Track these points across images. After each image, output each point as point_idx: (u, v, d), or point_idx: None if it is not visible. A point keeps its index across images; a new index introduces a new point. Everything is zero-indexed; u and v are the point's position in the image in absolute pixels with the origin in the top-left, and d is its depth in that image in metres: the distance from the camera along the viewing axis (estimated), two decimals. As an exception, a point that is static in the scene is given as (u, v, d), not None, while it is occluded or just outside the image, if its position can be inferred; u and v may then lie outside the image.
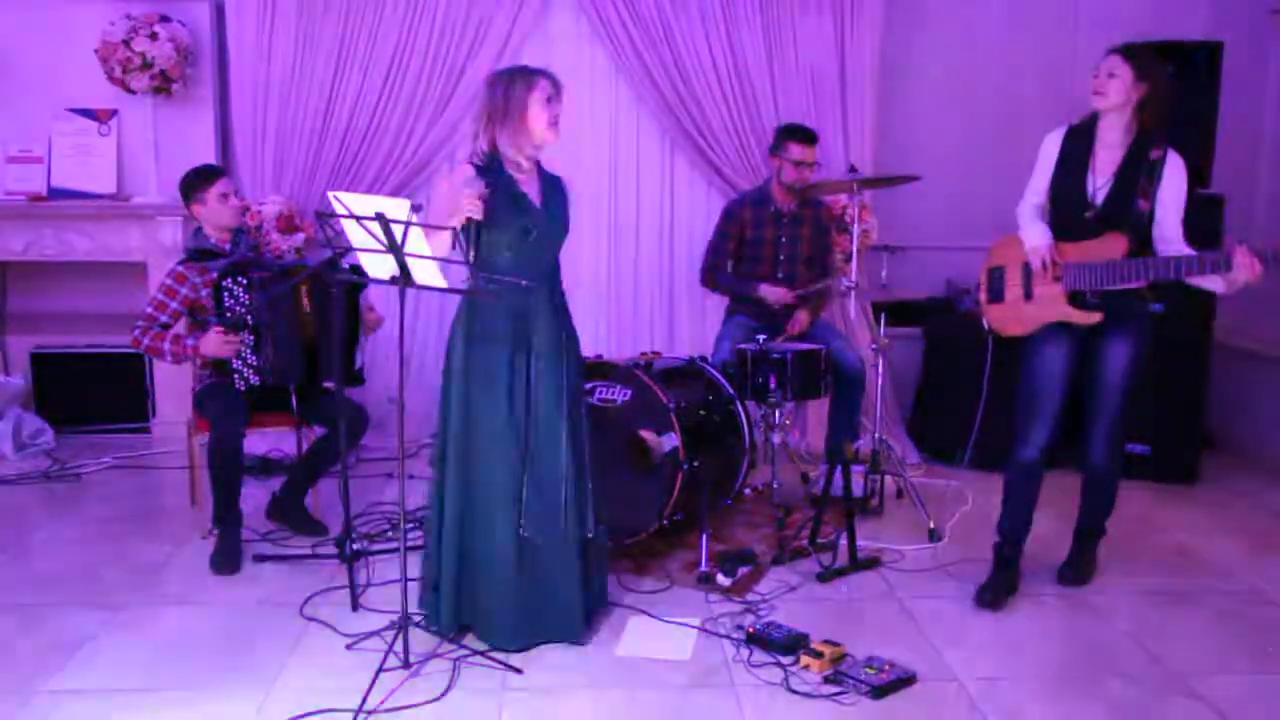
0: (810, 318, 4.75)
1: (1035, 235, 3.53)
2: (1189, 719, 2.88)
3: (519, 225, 3.13)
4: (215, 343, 3.86)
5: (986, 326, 3.74)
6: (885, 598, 3.66)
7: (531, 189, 3.20)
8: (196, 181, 4.06)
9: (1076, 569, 3.76)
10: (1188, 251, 3.34)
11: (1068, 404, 3.55)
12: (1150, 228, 3.39)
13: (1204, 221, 4.85)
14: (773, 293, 4.67)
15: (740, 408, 4.29)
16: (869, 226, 5.23)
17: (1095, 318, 3.43)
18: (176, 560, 3.91)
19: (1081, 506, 3.77)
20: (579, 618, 3.23)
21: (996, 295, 3.68)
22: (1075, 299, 3.45)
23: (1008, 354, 4.19)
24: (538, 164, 3.27)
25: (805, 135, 4.71)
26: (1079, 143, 3.48)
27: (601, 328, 5.56)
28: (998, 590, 3.56)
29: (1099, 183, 3.42)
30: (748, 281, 4.75)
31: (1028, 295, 3.57)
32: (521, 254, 3.16)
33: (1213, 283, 3.30)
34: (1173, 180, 3.38)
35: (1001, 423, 3.95)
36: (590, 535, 3.26)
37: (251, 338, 3.89)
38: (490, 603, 3.19)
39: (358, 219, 2.92)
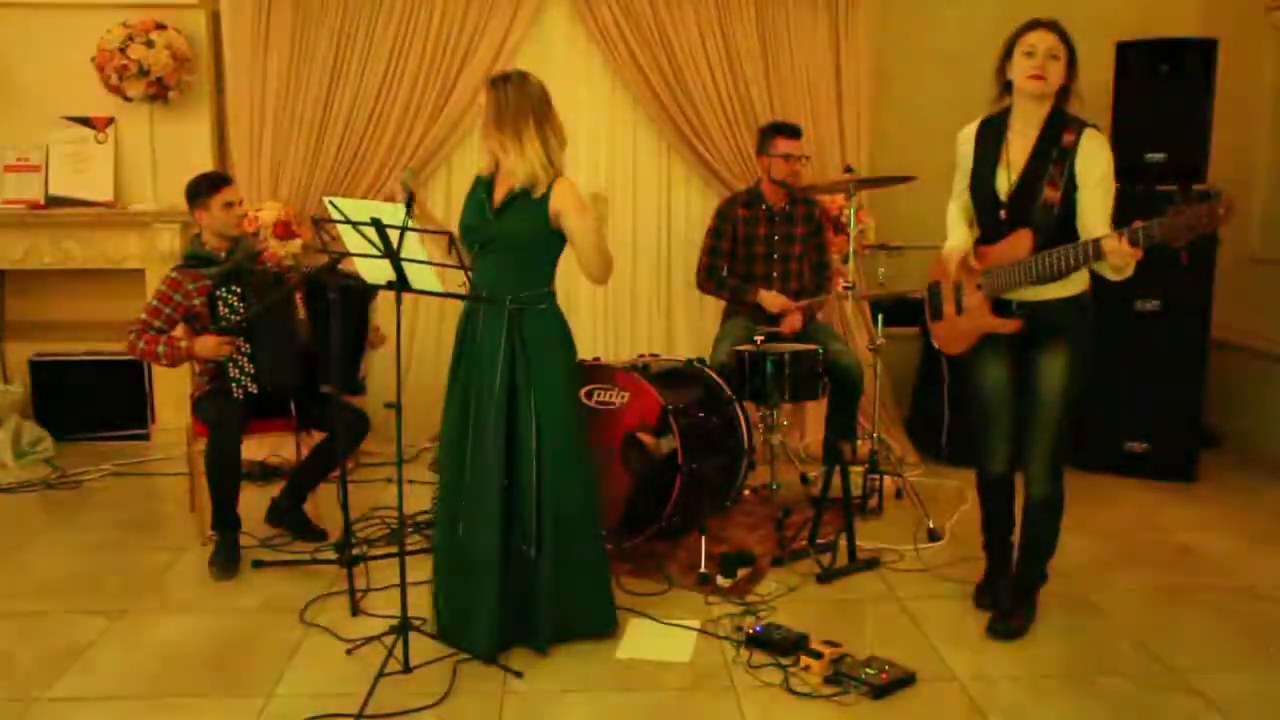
0: (804, 318, 4.75)
1: (952, 240, 3.35)
2: (1189, 717, 2.88)
3: (468, 230, 3.20)
4: (209, 345, 3.86)
5: (936, 346, 3.59)
6: (885, 598, 3.66)
7: (503, 193, 3.19)
8: (203, 187, 4.07)
9: (1008, 621, 3.35)
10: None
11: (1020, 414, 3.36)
12: (1067, 220, 3.11)
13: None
14: (771, 301, 4.67)
15: (739, 409, 4.29)
16: (865, 226, 5.24)
17: (1012, 325, 3.22)
18: (176, 566, 3.92)
19: (1020, 546, 3.44)
20: (488, 633, 3.14)
21: (936, 313, 3.52)
22: (998, 307, 3.26)
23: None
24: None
25: (790, 129, 4.73)
26: (991, 136, 3.26)
27: (599, 330, 5.56)
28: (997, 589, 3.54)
29: (1011, 178, 3.19)
30: (746, 286, 4.75)
31: (959, 309, 3.40)
32: (478, 259, 3.21)
33: (1104, 270, 3.02)
34: (1089, 163, 3.08)
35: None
36: (527, 549, 3.15)
37: (248, 346, 3.89)
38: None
39: (354, 225, 2.93)
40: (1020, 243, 3.16)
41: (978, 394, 3.42)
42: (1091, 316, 3.26)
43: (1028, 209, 3.16)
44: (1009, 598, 3.42)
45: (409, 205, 3.06)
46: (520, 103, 3.08)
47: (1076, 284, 3.21)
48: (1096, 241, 2.96)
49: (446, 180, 5.46)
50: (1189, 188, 2.83)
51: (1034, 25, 3.15)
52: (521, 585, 3.18)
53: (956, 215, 3.40)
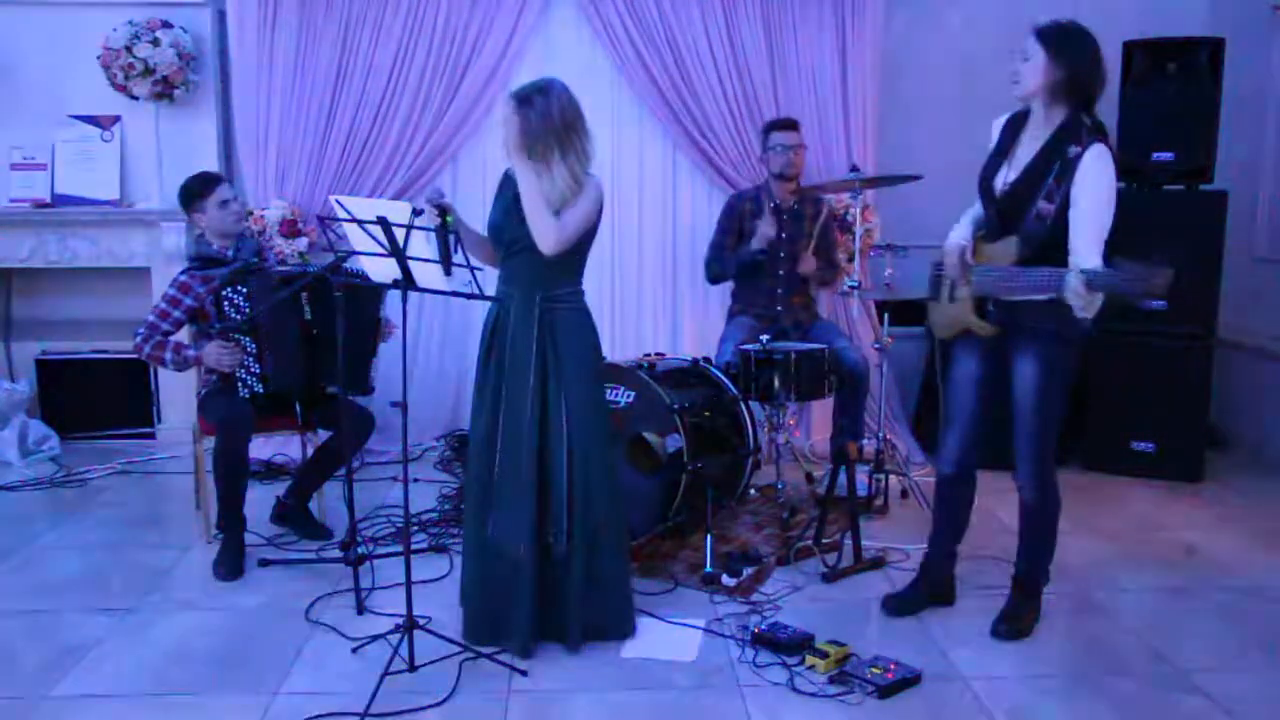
0: (817, 263, 4.76)
1: (955, 233, 3.31)
2: (1195, 716, 2.88)
3: (497, 230, 3.23)
4: (216, 354, 3.86)
5: (929, 324, 3.52)
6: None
7: None
8: (195, 190, 4.06)
9: (1012, 621, 3.32)
10: (1085, 266, 2.92)
11: (988, 415, 3.33)
12: (1060, 233, 3.01)
13: (1206, 218, 4.88)
14: (760, 234, 4.66)
15: (744, 408, 4.29)
16: (871, 226, 5.23)
17: (987, 330, 3.18)
18: (182, 565, 3.92)
19: (1019, 549, 3.40)
20: (526, 629, 3.16)
21: (934, 293, 3.45)
22: (979, 306, 3.22)
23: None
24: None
25: (783, 123, 4.79)
26: (1010, 130, 3.20)
27: (604, 330, 5.50)
28: (905, 598, 3.51)
29: (1009, 178, 3.14)
30: (743, 250, 4.76)
31: (951, 297, 3.34)
32: (506, 259, 3.22)
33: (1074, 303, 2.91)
34: (1087, 181, 2.96)
35: (1004, 421, 3.88)
36: (559, 547, 3.17)
37: (253, 345, 3.89)
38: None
39: (360, 223, 2.93)
40: (1006, 249, 3.13)
41: (946, 387, 3.41)
42: (1073, 321, 3.11)
43: (1019, 216, 3.11)
44: (1013, 599, 3.40)
45: (444, 224, 3.02)
46: (545, 126, 3.04)
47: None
48: (1063, 275, 2.88)
49: (452, 179, 5.45)
50: (1151, 259, 2.72)
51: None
52: (553, 583, 3.19)
53: (969, 212, 3.38)
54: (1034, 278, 3.00)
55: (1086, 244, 2.95)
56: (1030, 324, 3.14)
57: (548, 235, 3.06)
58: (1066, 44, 3.01)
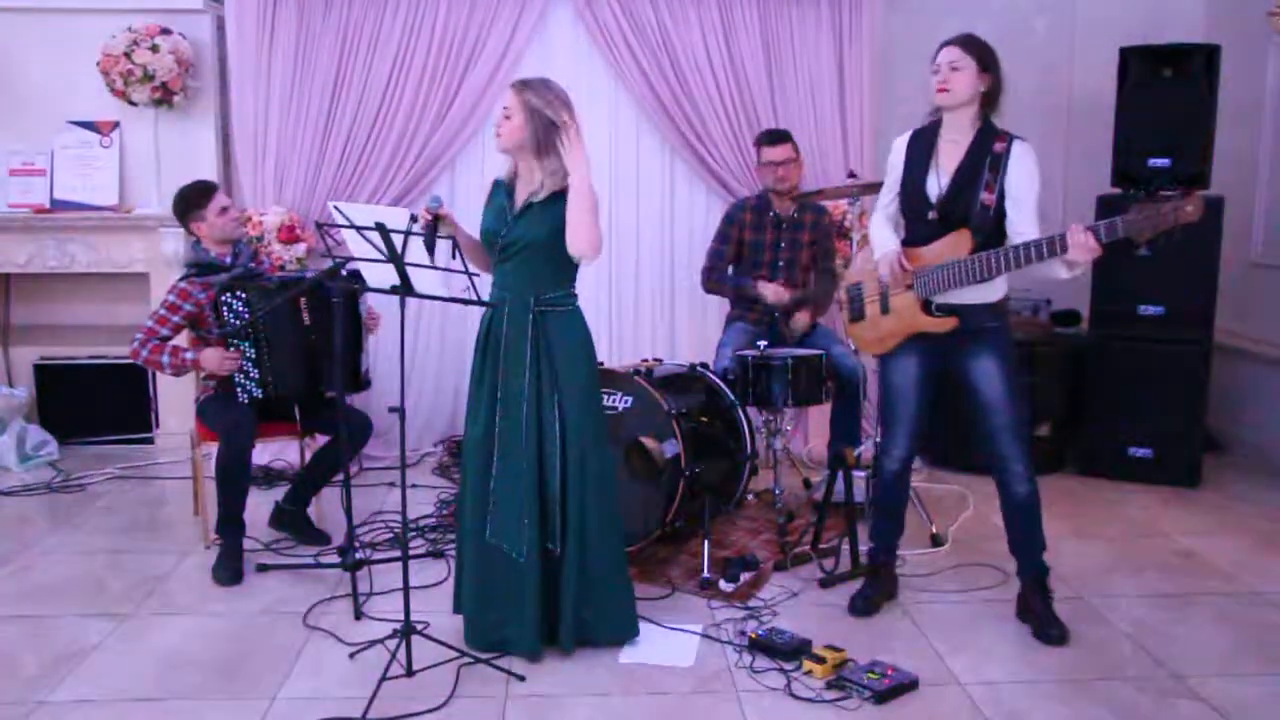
0: (811, 317, 4.75)
1: (882, 244, 3.43)
2: (1192, 721, 2.89)
3: (490, 235, 3.22)
4: (215, 359, 3.87)
5: (853, 348, 3.62)
6: (887, 602, 3.66)
7: (522, 198, 3.19)
8: (194, 199, 4.06)
9: (1057, 623, 3.35)
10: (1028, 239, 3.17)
11: (927, 412, 3.48)
12: (1000, 223, 3.24)
13: (1203, 224, 4.87)
14: (770, 291, 4.67)
15: (741, 414, 4.30)
16: (869, 231, 5.23)
17: (949, 324, 3.29)
18: (180, 570, 3.92)
19: (1018, 547, 3.44)
20: (533, 632, 3.16)
21: (857, 313, 3.57)
22: (928, 307, 3.33)
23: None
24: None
25: (772, 136, 4.77)
26: (922, 144, 3.37)
27: (602, 335, 5.56)
28: (871, 597, 3.56)
29: (942, 182, 3.29)
30: (746, 280, 4.76)
31: (884, 309, 3.46)
32: (500, 264, 3.22)
33: (1056, 269, 3.11)
34: (1020, 171, 3.22)
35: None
36: (554, 550, 3.18)
37: (252, 351, 3.90)
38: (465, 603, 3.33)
39: (358, 229, 2.94)
40: (959, 243, 3.26)
41: (887, 391, 3.50)
42: (1008, 314, 3.39)
43: (964, 211, 3.26)
44: (1041, 602, 3.39)
45: (434, 226, 3.04)
46: (551, 117, 3.07)
47: (999, 290, 3.31)
48: (1062, 235, 3.04)
49: (450, 184, 5.46)
50: (1154, 193, 2.90)
51: (941, 46, 3.32)
52: (552, 587, 3.20)
53: (884, 224, 3.50)
54: (1018, 252, 3.13)
55: (1028, 222, 3.22)
56: (977, 323, 3.30)
57: (593, 241, 3.09)
58: (990, 55, 3.28)
